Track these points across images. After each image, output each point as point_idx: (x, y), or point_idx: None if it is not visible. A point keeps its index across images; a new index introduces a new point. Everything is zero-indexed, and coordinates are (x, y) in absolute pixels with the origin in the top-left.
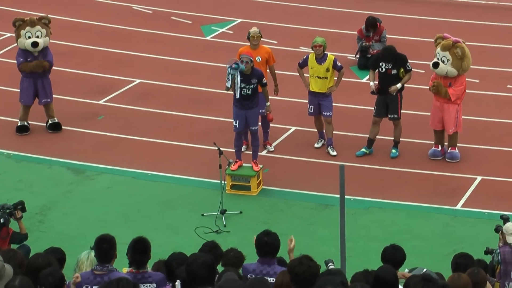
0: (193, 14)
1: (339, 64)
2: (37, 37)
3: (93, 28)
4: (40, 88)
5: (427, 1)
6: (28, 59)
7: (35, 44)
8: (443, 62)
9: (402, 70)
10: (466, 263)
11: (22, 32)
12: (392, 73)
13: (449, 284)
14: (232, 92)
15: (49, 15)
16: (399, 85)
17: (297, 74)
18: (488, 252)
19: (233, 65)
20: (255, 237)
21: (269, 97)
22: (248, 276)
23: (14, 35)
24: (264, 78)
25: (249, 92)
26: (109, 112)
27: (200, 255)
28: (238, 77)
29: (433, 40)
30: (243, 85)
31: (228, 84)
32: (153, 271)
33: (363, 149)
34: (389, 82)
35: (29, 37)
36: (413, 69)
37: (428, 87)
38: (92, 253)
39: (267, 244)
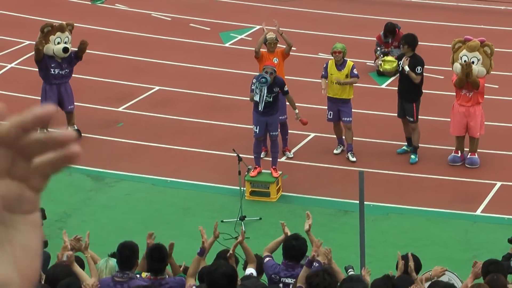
0: (212, 21)
1: (355, 71)
2: (65, 43)
3: (111, 35)
4: (64, 95)
5: (445, 7)
6: (52, 66)
7: (66, 50)
8: (472, 63)
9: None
10: (497, 271)
11: (52, 37)
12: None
13: None
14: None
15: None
16: (406, 68)
17: (316, 80)
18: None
19: (262, 80)
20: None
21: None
22: (272, 275)
23: (34, 42)
24: (286, 86)
25: (271, 99)
26: (128, 119)
27: (222, 265)
28: (265, 91)
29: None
30: (267, 94)
31: (256, 98)
32: (171, 278)
33: (404, 147)
34: (405, 80)
35: (59, 43)
36: (432, 75)
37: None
38: (111, 261)
39: (294, 248)
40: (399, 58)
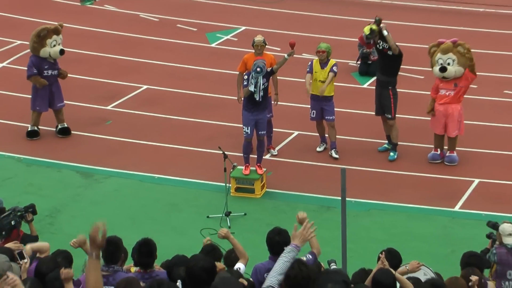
0: (198, 22)
1: (334, 69)
2: (59, 44)
3: (100, 35)
4: (55, 93)
5: (426, 8)
6: (44, 67)
7: (62, 52)
8: (448, 64)
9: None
10: (477, 262)
11: (48, 41)
12: (388, 53)
13: None
14: (244, 99)
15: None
16: (385, 32)
17: (300, 80)
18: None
19: (257, 69)
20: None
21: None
22: (265, 275)
23: (27, 43)
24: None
25: (267, 84)
26: (117, 117)
27: (201, 259)
28: (261, 80)
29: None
30: (263, 83)
31: (252, 89)
32: (159, 270)
33: (385, 145)
34: (383, 58)
35: (54, 45)
36: (412, 75)
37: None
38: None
39: (279, 243)
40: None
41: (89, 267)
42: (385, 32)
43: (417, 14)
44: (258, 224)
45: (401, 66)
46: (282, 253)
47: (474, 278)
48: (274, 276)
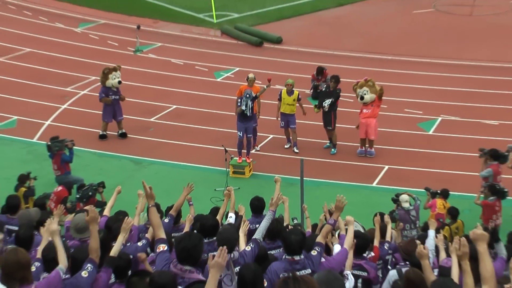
0: (209, 65)
1: (299, 97)
2: (118, 78)
3: (145, 73)
4: (117, 110)
5: (351, 57)
6: (110, 94)
7: (120, 82)
8: (365, 94)
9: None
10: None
11: (110, 75)
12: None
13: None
14: (238, 114)
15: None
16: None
17: (274, 102)
18: (395, 196)
19: (247, 96)
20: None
21: (259, 116)
22: (250, 226)
23: (99, 78)
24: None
25: (252, 104)
26: (157, 126)
27: (210, 218)
28: (249, 103)
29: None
30: (251, 104)
31: (243, 107)
32: (183, 223)
33: (328, 143)
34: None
35: (115, 78)
36: (347, 100)
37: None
38: (145, 214)
39: (258, 206)
40: (319, 103)
41: (151, 213)
42: (326, 107)
43: (346, 60)
44: (247, 194)
45: (341, 93)
46: (265, 217)
47: (386, 217)
48: (260, 232)
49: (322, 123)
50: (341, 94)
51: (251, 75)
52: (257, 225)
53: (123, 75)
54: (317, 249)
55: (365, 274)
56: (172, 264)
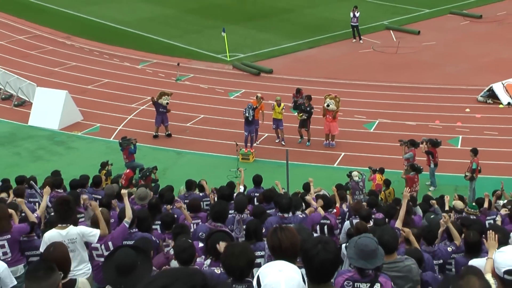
0: (225, 88)
1: (284, 108)
2: (167, 99)
3: (188, 96)
4: (164, 118)
5: (320, 81)
6: (160, 108)
7: (167, 103)
8: (331, 104)
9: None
10: (341, 188)
11: (164, 97)
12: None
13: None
14: (244, 119)
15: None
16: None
17: (269, 112)
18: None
19: (249, 106)
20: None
21: (260, 121)
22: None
23: (151, 97)
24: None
25: (254, 112)
26: (191, 129)
27: (226, 189)
28: (251, 111)
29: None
30: (252, 113)
31: (246, 114)
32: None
33: (300, 139)
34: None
35: (165, 100)
36: (318, 109)
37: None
38: (183, 188)
39: (257, 181)
40: (298, 109)
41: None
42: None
43: (317, 84)
44: (251, 173)
45: (312, 105)
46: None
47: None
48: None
49: (300, 126)
50: (313, 106)
51: (258, 95)
52: (256, 194)
53: (172, 97)
54: (302, 214)
55: (328, 221)
56: (208, 223)
